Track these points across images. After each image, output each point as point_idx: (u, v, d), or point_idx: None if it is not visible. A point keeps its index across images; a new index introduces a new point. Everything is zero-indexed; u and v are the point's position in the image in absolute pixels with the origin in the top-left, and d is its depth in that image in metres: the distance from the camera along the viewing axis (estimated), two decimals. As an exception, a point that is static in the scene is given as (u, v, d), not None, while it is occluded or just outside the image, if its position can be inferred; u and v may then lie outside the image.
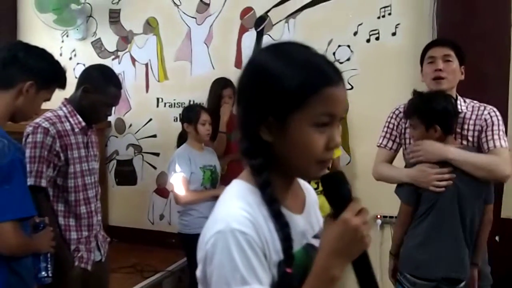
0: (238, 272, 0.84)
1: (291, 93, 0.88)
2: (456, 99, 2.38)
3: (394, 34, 3.47)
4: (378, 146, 2.61)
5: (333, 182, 0.94)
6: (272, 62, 0.92)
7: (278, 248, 0.91)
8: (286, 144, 0.91)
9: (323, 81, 0.89)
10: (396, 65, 3.44)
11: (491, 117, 2.30)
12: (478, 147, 2.29)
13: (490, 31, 3.00)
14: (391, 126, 2.57)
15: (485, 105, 2.39)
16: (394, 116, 2.57)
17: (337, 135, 0.92)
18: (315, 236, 1.01)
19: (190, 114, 3.19)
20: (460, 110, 2.33)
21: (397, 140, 2.55)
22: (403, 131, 2.51)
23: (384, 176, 2.55)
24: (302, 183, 1.11)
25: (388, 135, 2.58)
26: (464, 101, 2.40)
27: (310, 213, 1.06)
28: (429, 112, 2.17)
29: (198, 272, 0.93)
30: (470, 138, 2.31)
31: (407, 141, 2.48)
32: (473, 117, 2.34)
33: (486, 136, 2.27)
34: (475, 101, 2.41)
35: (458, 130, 2.31)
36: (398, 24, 3.45)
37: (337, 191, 0.93)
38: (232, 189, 0.98)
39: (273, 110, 0.90)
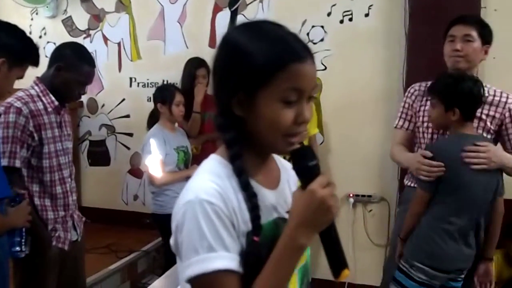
0: (206, 239, 0.88)
1: (259, 69, 0.91)
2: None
3: (367, 15, 3.50)
4: (394, 127, 2.58)
5: (301, 156, 0.96)
6: (242, 39, 0.95)
7: (246, 218, 0.94)
8: (256, 118, 0.94)
9: (290, 57, 0.91)
10: (369, 45, 3.49)
11: None
12: (496, 137, 2.29)
13: (460, 13, 3.04)
14: (406, 106, 2.53)
15: (509, 93, 2.33)
16: (409, 95, 2.53)
17: (306, 110, 0.94)
18: (288, 211, 1.03)
19: (164, 94, 3.16)
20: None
21: (413, 120, 2.51)
22: (418, 109, 2.47)
23: (395, 160, 2.54)
24: (279, 160, 1.13)
25: (404, 115, 2.54)
26: (485, 85, 2.26)
27: (284, 189, 1.09)
28: (452, 93, 2.07)
29: (172, 241, 0.97)
30: (489, 124, 2.27)
31: (421, 119, 2.43)
32: (495, 102, 2.28)
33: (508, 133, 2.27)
34: (496, 88, 2.35)
35: (478, 114, 2.22)
36: (371, 5, 3.48)
37: (305, 164, 0.95)
38: (206, 163, 1.01)
39: (243, 86, 0.93)
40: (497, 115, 2.27)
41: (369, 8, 3.49)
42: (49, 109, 2.17)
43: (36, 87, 2.17)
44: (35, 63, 1.94)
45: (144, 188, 4.21)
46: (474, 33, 2.28)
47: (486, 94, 2.25)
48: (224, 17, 3.88)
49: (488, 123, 2.27)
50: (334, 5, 3.56)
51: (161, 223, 3.12)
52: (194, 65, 3.49)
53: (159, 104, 3.16)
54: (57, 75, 2.16)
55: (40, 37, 4.45)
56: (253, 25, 1.00)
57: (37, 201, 2.17)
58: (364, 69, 3.49)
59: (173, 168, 3.12)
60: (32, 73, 2.10)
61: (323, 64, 3.57)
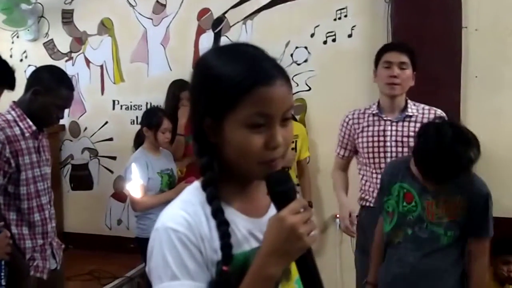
0: (169, 268, 0.87)
1: (224, 93, 0.88)
2: (406, 104, 2.50)
3: (350, 36, 3.52)
4: (335, 154, 2.78)
5: (274, 181, 0.91)
6: (213, 62, 0.93)
7: (217, 246, 0.90)
8: (226, 145, 0.91)
9: (255, 80, 0.87)
10: (352, 66, 3.49)
11: None
12: None
13: (442, 33, 3.08)
14: (342, 134, 2.70)
15: (435, 109, 2.48)
16: (345, 124, 2.69)
17: (278, 134, 0.89)
18: None
19: (151, 119, 3.12)
20: (411, 114, 2.47)
21: (349, 147, 2.69)
22: (355, 136, 2.62)
23: (334, 187, 2.80)
24: None
25: (340, 143, 2.73)
26: (414, 104, 2.51)
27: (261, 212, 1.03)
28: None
29: (146, 269, 0.96)
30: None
31: (361, 145, 2.59)
32: (424, 120, 2.41)
33: None
34: (424, 105, 2.51)
35: (412, 133, 2.38)
36: (354, 26, 3.50)
37: (277, 189, 0.91)
38: (185, 189, 1.00)
39: (210, 110, 0.90)
40: None
41: (352, 29, 3.50)
42: (27, 134, 2.11)
43: (12, 112, 2.11)
44: (11, 87, 1.90)
45: (128, 212, 4.13)
46: (408, 61, 2.43)
47: (411, 113, 2.47)
48: (207, 39, 3.87)
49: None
50: (317, 26, 3.57)
51: (144, 247, 3.02)
52: (177, 87, 3.47)
53: (145, 128, 3.13)
54: (34, 99, 2.11)
55: (21, 60, 4.39)
56: (226, 48, 0.98)
57: (14, 229, 2.10)
58: (348, 89, 3.49)
59: (157, 193, 3.07)
60: (9, 98, 2.05)
61: (307, 85, 3.57)
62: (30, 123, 2.13)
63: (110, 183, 4.24)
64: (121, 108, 4.18)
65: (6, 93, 1.92)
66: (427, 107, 2.50)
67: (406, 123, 2.49)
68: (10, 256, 1.90)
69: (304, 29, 3.60)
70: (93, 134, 4.27)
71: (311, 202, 3.33)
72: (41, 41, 4.38)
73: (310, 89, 3.58)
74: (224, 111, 0.89)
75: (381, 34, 3.38)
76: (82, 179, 4.34)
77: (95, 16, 4.19)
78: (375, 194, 2.51)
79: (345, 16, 3.52)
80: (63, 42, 4.32)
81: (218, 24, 3.84)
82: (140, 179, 2.99)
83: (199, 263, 0.88)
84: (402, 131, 2.49)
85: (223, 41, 3.79)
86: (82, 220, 4.30)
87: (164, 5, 3.99)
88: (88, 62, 4.26)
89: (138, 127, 3.35)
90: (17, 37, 4.44)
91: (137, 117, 4.02)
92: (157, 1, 4.00)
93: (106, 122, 4.22)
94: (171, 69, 3.96)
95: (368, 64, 3.44)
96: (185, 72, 3.95)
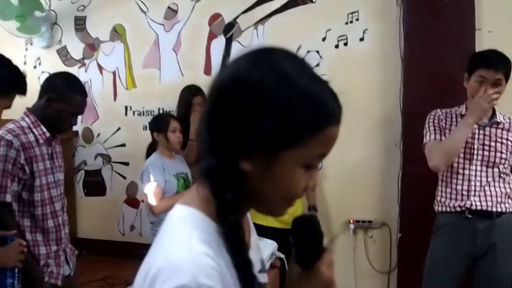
0: None
1: (291, 128, 0.76)
2: (494, 111, 2.49)
3: (362, 39, 3.49)
4: (425, 144, 2.59)
5: (307, 228, 0.87)
6: (271, 86, 0.77)
7: None
8: (268, 179, 0.79)
9: (328, 119, 0.79)
10: (365, 69, 3.47)
11: None
12: None
13: (455, 35, 3.05)
14: (431, 123, 2.59)
15: None
16: (431, 117, 2.61)
17: (316, 174, 0.84)
18: (260, 271, 0.93)
19: (159, 122, 3.13)
20: (499, 121, 2.48)
21: (442, 132, 2.56)
22: (444, 126, 2.55)
23: (446, 149, 2.47)
24: None
25: (432, 130, 2.57)
26: (500, 113, 2.51)
27: (253, 244, 0.95)
28: None
29: None
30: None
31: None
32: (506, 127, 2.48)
33: None
34: (510, 115, 2.54)
35: (499, 139, 2.44)
36: (365, 30, 3.48)
37: (310, 239, 0.86)
38: (185, 221, 0.81)
39: (264, 143, 0.76)
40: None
41: (364, 33, 3.48)
42: (41, 141, 2.12)
43: (26, 119, 2.12)
44: (23, 92, 1.90)
45: (141, 218, 4.14)
46: (502, 76, 2.38)
47: (499, 120, 2.47)
48: (219, 44, 3.87)
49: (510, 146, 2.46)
50: (329, 30, 3.56)
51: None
52: (190, 92, 3.47)
53: (155, 133, 3.14)
54: (48, 105, 2.11)
55: (35, 67, 4.44)
56: (279, 66, 0.80)
57: (28, 236, 2.10)
58: (360, 93, 3.46)
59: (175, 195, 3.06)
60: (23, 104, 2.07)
61: (319, 89, 3.55)
62: (44, 129, 2.13)
63: (123, 189, 4.25)
64: (133, 114, 4.20)
65: (20, 100, 1.92)
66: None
67: (493, 129, 2.47)
68: (24, 263, 1.89)
69: (315, 33, 3.59)
70: (106, 140, 4.30)
71: (315, 206, 3.30)
72: (54, 48, 4.43)
73: (322, 93, 3.56)
74: (285, 147, 0.77)
75: (393, 37, 3.36)
76: (95, 185, 4.36)
77: (108, 22, 4.23)
78: (453, 198, 2.49)
79: (357, 19, 3.50)
80: (76, 49, 4.36)
81: (230, 29, 3.84)
82: (157, 182, 2.98)
83: None
84: (490, 136, 2.46)
85: (235, 46, 3.79)
86: (95, 226, 4.32)
87: (176, 11, 4.00)
88: (100, 68, 4.29)
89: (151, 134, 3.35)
90: (31, 44, 4.49)
91: (149, 124, 4.03)
92: (169, 7, 4.02)
93: (119, 128, 4.24)
94: (183, 75, 3.97)
95: (380, 67, 3.44)
96: (197, 77, 3.99)
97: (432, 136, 2.56)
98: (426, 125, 2.61)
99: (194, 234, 0.77)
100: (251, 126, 0.76)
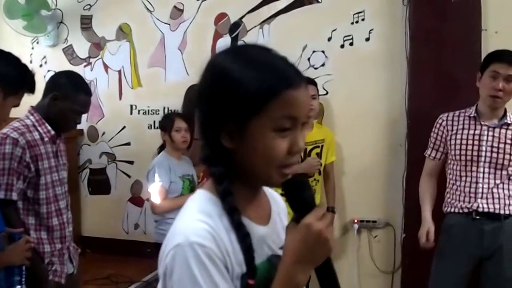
0: (199, 286, 0.81)
1: (250, 98, 0.85)
2: (505, 112, 2.48)
3: (367, 39, 3.48)
4: (425, 155, 2.69)
5: (295, 187, 0.91)
6: (231, 65, 0.89)
7: (240, 260, 0.88)
8: (247, 150, 0.88)
9: (283, 84, 0.86)
10: (370, 69, 3.46)
11: None
12: None
13: (461, 36, 3.04)
14: (434, 135, 2.63)
15: None
16: (437, 126, 2.62)
17: (301, 139, 0.89)
18: (282, 247, 0.97)
19: (164, 122, 3.14)
20: (509, 122, 2.45)
21: (441, 149, 2.61)
22: (448, 138, 2.56)
23: (420, 194, 2.71)
24: (269, 192, 1.07)
25: (432, 145, 2.64)
26: (511, 114, 2.49)
27: (276, 224, 1.02)
28: None
29: (160, 286, 0.91)
30: None
31: (453, 146, 2.53)
32: None
33: None
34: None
35: (509, 141, 2.42)
36: (371, 30, 3.47)
37: (299, 196, 0.90)
38: (194, 199, 0.94)
39: (232, 116, 0.87)
40: None
41: (369, 33, 3.47)
42: (46, 139, 2.13)
43: (31, 117, 2.13)
44: (31, 90, 1.91)
45: (145, 217, 4.15)
46: None
47: (510, 121, 2.45)
48: (224, 43, 3.86)
49: None
50: (334, 30, 3.55)
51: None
52: (195, 92, 3.46)
53: (162, 132, 3.14)
54: (52, 104, 2.12)
55: (41, 65, 4.45)
56: (240, 50, 0.96)
57: (33, 234, 2.11)
58: (366, 93, 3.46)
59: (178, 197, 3.07)
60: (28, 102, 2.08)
61: (324, 89, 3.55)
62: (49, 127, 2.14)
63: (127, 188, 4.26)
64: (138, 113, 4.21)
65: (23, 98, 1.93)
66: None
67: (503, 130, 2.45)
68: (30, 261, 1.90)
69: (321, 33, 3.58)
70: (111, 139, 4.31)
71: (334, 208, 3.29)
72: (60, 46, 4.44)
73: (327, 93, 3.55)
74: (249, 116, 0.86)
75: (399, 37, 3.35)
76: (100, 183, 4.37)
77: (114, 21, 4.24)
78: (460, 199, 2.49)
79: (363, 19, 3.49)
80: (82, 48, 4.38)
81: (235, 29, 3.84)
82: (162, 182, 2.99)
83: (226, 278, 0.85)
84: (499, 137, 2.44)
85: (240, 45, 3.79)
86: (100, 224, 4.33)
87: (182, 10, 4.01)
88: (106, 67, 4.30)
89: (156, 131, 3.36)
90: (37, 42, 4.50)
91: (154, 122, 4.05)
92: (175, 6, 4.03)
93: (124, 127, 4.25)
94: (188, 74, 3.97)
95: (386, 67, 3.43)
96: (202, 76, 3.90)
97: (433, 154, 2.65)
98: (432, 133, 2.65)
99: (195, 207, 0.91)
100: (219, 103, 0.88)
